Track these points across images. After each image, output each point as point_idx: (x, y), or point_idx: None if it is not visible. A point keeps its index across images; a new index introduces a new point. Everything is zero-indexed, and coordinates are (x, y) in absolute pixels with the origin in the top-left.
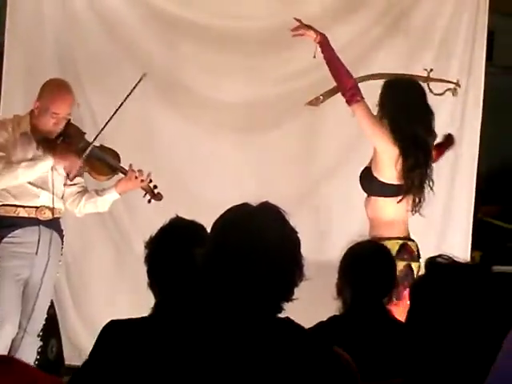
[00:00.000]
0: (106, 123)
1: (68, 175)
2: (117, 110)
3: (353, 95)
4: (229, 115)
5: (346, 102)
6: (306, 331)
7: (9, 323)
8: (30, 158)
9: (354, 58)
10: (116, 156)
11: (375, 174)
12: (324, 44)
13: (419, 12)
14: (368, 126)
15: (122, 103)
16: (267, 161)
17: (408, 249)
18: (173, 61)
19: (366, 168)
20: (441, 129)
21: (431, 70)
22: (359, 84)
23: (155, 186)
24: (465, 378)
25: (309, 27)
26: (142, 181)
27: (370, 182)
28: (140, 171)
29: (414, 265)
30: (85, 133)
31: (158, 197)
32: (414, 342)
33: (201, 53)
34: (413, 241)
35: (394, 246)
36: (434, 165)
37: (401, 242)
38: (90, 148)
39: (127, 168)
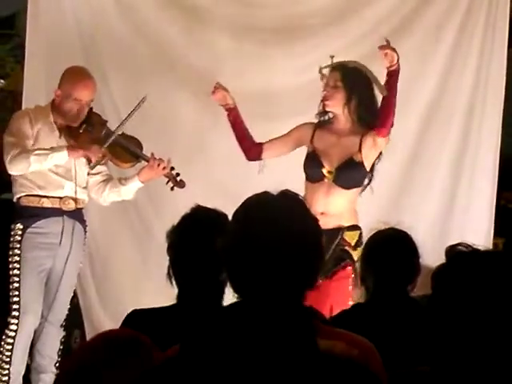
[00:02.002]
0: (125, 119)
1: (89, 163)
2: (124, 120)
3: (389, 132)
4: (246, 104)
5: (379, 133)
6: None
7: (31, 313)
8: (50, 147)
9: (366, 52)
10: (138, 144)
11: (366, 165)
12: (395, 74)
13: (435, 5)
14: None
15: (126, 118)
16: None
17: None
18: (193, 50)
19: (351, 159)
20: (461, 115)
21: (333, 56)
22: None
23: (177, 174)
24: (490, 365)
25: (393, 50)
26: (164, 168)
27: (359, 172)
28: (161, 159)
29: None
30: (107, 121)
31: (180, 184)
32: (438, 330)
33: (220, 42)
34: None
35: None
36: (454, 150)
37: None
38: (113, 137)
39: (149, 156)
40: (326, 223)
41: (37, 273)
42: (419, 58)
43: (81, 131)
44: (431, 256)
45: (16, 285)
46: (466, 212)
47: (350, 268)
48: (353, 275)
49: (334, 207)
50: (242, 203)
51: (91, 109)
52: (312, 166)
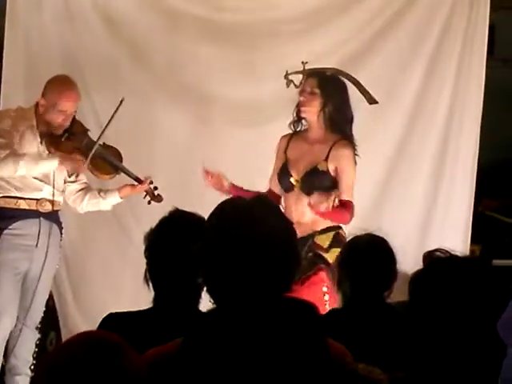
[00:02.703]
0: (106, 126)
1: (77, 175)
2: (105, 127)
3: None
4: (231, 111)
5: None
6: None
7: (6, 315)
8: (33, 151)
9: (350, 54)
10: (118, 154)
11: (332, 173)
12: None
13: (417, 8)
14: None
15: (106, 125)
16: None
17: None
18: (174, 57)
19: (315, 168)
20: (441, 123)
21: (306, 62)
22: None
23: (155, 188)
24: (464, 371)
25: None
26: (148, 184)
27: (323, 181)
28: (144, 180)
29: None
30: (88, 130)
31: (157, 198)
32: (414, 336)
33: (201, 48)
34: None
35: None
36: (433, 157)
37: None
38: (94, 148)
39: (129, 168)
40: (300, 232)
41: (13, 275)
42: (399, 63)
43: (62, 139)
44: (408, 262)
45: None
46: (444, 219)
47: (323, 273)
48: (329, 279)
49: (305, 216)
50: (217, 207)
51: (74, 117)
52: (282, 175)
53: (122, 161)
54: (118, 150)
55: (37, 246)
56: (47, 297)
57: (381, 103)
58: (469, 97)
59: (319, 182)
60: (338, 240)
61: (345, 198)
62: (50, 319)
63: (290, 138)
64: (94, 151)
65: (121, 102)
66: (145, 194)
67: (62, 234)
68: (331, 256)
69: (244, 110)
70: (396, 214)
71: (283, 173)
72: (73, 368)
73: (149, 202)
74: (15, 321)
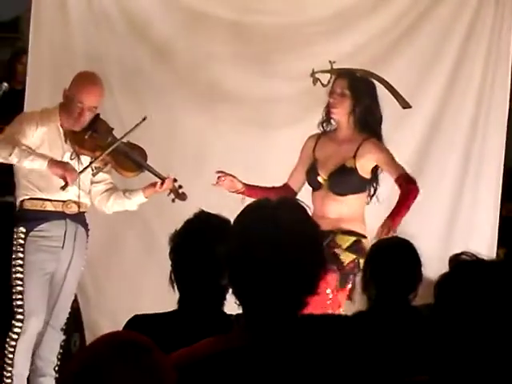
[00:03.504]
0: (129, 131)
1: (65, 185)
2: (127, 132)
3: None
4: (252, 110)
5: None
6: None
7: (35, 317)
8: (58, 151)
9: (372, 57)
10: (143, 153)
11: (360, 171)
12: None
13: (442, 9)
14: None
15: (128, 132)
16: (291, 157)
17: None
18: (197, 58)
19: (343, 166)
20: (466, 125)
21: (334, 61)
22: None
23: (180, 186)
24: (490, 376)
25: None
26: (172, 182)
27: (352, 179)
28: (170, 178)
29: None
30: (113, 128)
31: (181, 197)
32: (439, 339)
33: (225, 49)
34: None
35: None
36: (458, 160)
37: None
38: (115, 144)
39: (153, 167)
40: (322, 225)
41: (40, 276)
42: (423, 65)
43: (86, 137)
44: (434, 265)
45: (20, 288)
46: (470, 222)
47: (331, 275)
48: (335, 283)
49: (331, 212)
50: (243, 209)
51: (98, 115)
52: (310, 174)
53: (146, 160)
54: (143, 149)
55: (63, 247)
56: (72, 298)
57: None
58: (495, 98)
59: (347, 179)
60: (357, 248)
61: (396, 174)
62: (74, 321)
63: (318, 137)
64: (114, 147)
65: (143, 119)
66: (169, 192)
67: (88, 236)
68: (347, 257)
69: (269, 111)
70: (421, 218)
71: (312, 172)
72: (104, 369)
73: (173, 200)
74: (43, 322)
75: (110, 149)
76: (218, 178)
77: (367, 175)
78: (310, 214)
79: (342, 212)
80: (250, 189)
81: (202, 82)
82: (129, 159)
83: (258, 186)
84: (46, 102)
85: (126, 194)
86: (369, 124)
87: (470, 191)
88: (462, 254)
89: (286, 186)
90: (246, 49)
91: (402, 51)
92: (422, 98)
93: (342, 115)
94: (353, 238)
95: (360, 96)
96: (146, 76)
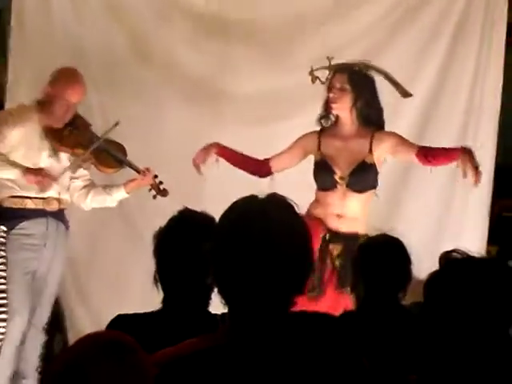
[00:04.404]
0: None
1: (41, 191)
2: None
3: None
4: (243, 107)
5: (419, 158)
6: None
7: (19, 316)
8: (35, 148)
9: (368, 47)
10: (122, 149)
11: (377, 165)
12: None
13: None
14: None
15: (107, 132)
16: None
17: None
18: (183, 51)
19: (363, 162)
20: (458, 120)
21: (332, 57)
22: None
23: (160, 182)
24: (479, 374)
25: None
26: (153, 178)
27: (371, 174)
28: (148, 169)
29: None
30: (91, 124)
31: (163, 192)
32: (429, 338)
33: (213, 43)
34: None
35: None
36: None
37: None
38: (98, 143)
39: (135, 163)
40: (341, 226)
41: (23, 274)
42: (415, 56)
43: (65, 133)
44: (424, 263)
45: (2, 287)
46: (461, 218)
47: None
48: None
49: (350, 211)
50: (229, 206)
51: (76, 111)
52: (323, 173)
53: (126, 155)
54: (122, 145)
55: (45, 245)
56: (54, 297)
57: (396, 97)
58: (486, 93)
59: (368, 175)
60: None
61: (415, 149)
62: (57, 321)
63: (319, 134)
64: (95, 145)
65: (115, 124)
66: (150, 188)
67: (68, 233)
68: None
69: (260, 106)
70: (411, 214)
71: (323, 170)
72: (88, 369)
73: (154, 197)
74: (27, 321)
75: (94, 146)
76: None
77: (380, 169)
78: (298, 211)
79: (360, 210)
80: (222, 148)
81: (188, 77)
82: (109, 155)
83: (230, 149)
84: (27, 97)
85: (106, 190)
86: (371, 117)
87: (462, 187)
88: (452, 251)
89: (264, 162)
90: (235, 41)
91: (395, 41)
92: (415, 87)
93: (343, 110)
94: None
95: (360, 90)
96: (129, 70)
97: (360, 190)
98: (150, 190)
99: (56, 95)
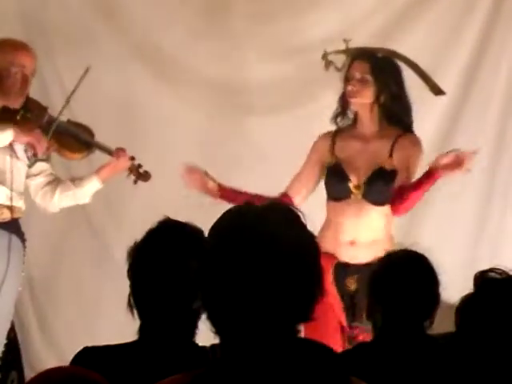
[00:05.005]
0: (68, 98)
1: (34, 155)
2: (68, 99)
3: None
4: (234, 94)
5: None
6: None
7: None
8: None
9: (380, 28)
10: (89, 131)
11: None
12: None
13: None
14: None
15: (69, 96)
16: (273, 152)
17: None
18: (162, 27)
19: (381, 169)
20: (496, 112)
21: (349, 39)
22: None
23: (139, 165)
24: None
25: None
26: (129, 160)
27: (392, 183)
28: (122, 149)
29: None
30: (47, 107)
31: (144, 176)
32: (462, 375)
33: (195, 17)
34: None
35: None
36: (487, 156)
37: None
38: (56, 122)
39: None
40: (356, 256)
41: None
42: (445, 32)
43: (18, 118)
44: (455, 285)
45: None
46: (500, 231)
47: None
48: None
49: (366, 232)
50: (221, 217)
51: (27, 94)
52: (336, 180)
53: (93, 138)
54: (88, 126)
55: None
56: (9, 327)
57: (419, 85)
58: None
59: (388, 184)
60: None
61: (405, 181)
62: (11, 355)
63: (334, 135)
64: (56, 125)
65: (86, 70)
66: (128, 172)
67: (25, 247)
68: None
69: (256, 94)
70: (440, 226)
71: (336, 177)
72: None
73: (135, 182)
74: None
75: (54, 127)
76: (185, 171)
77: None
78: (304, 221)
79: (380, 229)
80: (227, 192)
81: (163, 56)
82: (74, 139)
83: (238, 191)
84: None
85: (75, 184)
86: (397, 115)
87: (500, 196)
88: (489, 270)
89: (283, 197)
90: (224, 18)
91: (418, 16)
92: (443, 77)
93: (363, 106)
94: None
95: (385, 81)
96: (94, 38)
97: (378, 202)
98: (129, 174)
99: (5, 66)
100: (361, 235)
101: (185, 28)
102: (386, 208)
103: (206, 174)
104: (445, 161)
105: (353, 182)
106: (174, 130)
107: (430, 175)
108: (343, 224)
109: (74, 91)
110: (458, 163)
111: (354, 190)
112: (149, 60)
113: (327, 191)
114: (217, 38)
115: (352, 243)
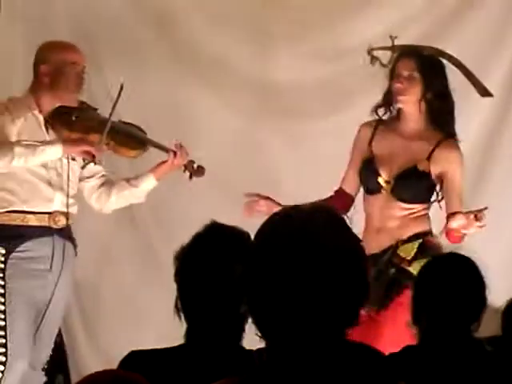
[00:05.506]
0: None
1: (93, 162)
2: (109, 119)
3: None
4: (273, 98)
5: None
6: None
7: (21, 358)
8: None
9: (427, 29)
10: (141, 129)
11: (432, 173)
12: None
13: None
14: None
15: (110, 114)
16: (320, 159)
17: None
18: (206, 31)
19: (414, 168)
20: None
21: (395, 36)
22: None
23: (193, 161)
24: None
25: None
26: (185, 158)
27: (422, 184)
28: (180, 145)
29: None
30: (97, 108)
31: (199, 171)
32: (509, 378)
33: (240, 21)
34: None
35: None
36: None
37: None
38: (110, 121)
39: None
40: (380, 243)
41: (26, 307)
42: (491, 33)
43: (73, 118)
44: (501, 288)
45: (1, 323)
46: None
47: (408, 291)
48: None
49: (390, 221)
50: (267, 220)
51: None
52: (367, 174)
53: (146, 135)
54: (138, 126)
55: (51, 269)
56: (56, 331)
57: (465, 85)
58: None
59: (417, 184)
60: (424, 248)
61: (454, 209)
62: (58, 359)
63: (375, 126)
64: (109, 125)
65: (121, 87)
66: (184, 168)
67: (76, 253)
68: (415, 268)
69: (294, 98)
70: (485, 229)
71: (368, 170)
72: None
73: (190, 177)
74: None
75: (109, 126)
76: (250, 203)
77: (437, 183)
78: (350, 224)
79: (404, 222)
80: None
81: (206, 58)
82: (129, 136)
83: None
84: (20, 82)
85: (130, 183)
86: (442, 116)
87: None
88: None
89: (338, 193)
90: (266, 22)
91: (465, 19)
92: (488, 78)
93: (410, 104)
94: (417, 242)
95: (432, 79)
96: (143, 46)
97: (405, 200)
98: (185, 170)
99: (59, 65)
100: (386, 224)
101: (227, 32)
102: (411, 207)
103: (270, 199)
104: (454, 226)
105: (383, 177)
106: (215, 131)
107: (447, 236)
108: (373, 214)
109: (113, 108)
110: (469, 223)
111: (383, 185)
112: (191, 64)
113: (362, 184)
114: (259, 42)
115: (378, 231)
